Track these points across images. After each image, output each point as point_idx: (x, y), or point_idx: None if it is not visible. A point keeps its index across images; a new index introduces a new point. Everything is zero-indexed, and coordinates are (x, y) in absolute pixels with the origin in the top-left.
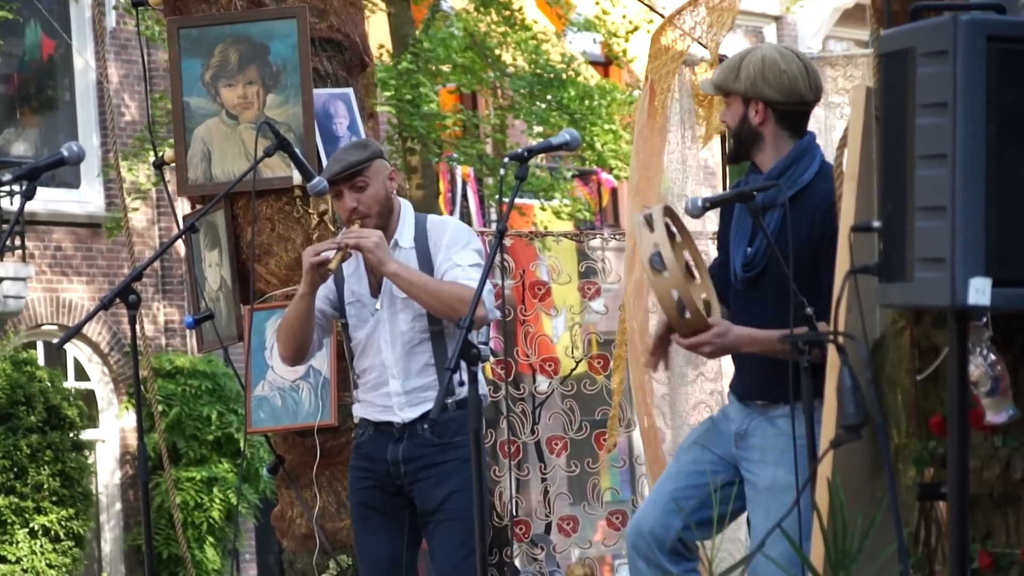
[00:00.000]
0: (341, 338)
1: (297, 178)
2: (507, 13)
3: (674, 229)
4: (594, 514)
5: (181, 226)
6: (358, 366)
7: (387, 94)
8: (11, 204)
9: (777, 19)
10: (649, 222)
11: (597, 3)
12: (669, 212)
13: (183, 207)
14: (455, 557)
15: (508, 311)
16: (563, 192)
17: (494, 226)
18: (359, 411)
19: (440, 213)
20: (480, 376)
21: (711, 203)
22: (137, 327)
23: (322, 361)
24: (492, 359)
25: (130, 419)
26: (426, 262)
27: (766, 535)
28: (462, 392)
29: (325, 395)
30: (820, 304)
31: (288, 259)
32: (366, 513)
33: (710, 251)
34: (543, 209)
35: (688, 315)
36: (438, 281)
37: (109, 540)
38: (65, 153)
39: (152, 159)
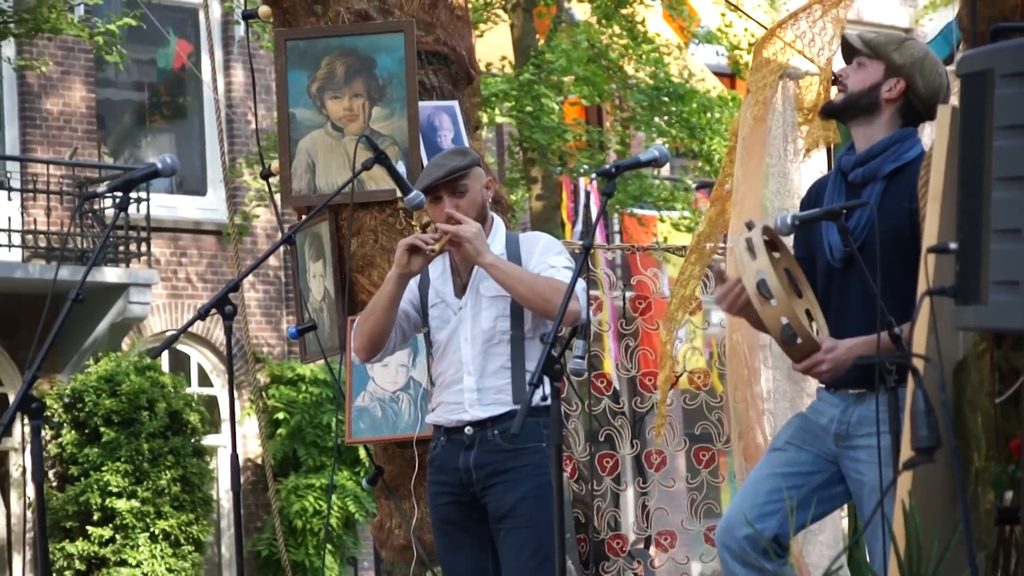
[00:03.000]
0: None
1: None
2: (630, 25)
3: (772, 246)
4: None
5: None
6: (436, 369)
7: (508, 104)
8: (138, 211)
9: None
10: (751, 248)
11: (723, 15)
12: (767, 230)
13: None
14: (528, 565)
15: (656, 323)
16: (685, 203)
17: (617, 239)
18: (432, 418)
19: (562, 224)
20: (547, 393)
21: (801, 220)
22: (232, 336)
23: (422, 373)
24: (592, 372)
25: (252, 425)
26: None
27: (851, 542)
28: (535, 399)
29: (424, 407)
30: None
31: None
32: (447, 529)
33: None
34: (662, 221)
35: (799, 340)
36: (534, 274)
37: (229, 545)
38: (159, 165)
39: (260, 170)
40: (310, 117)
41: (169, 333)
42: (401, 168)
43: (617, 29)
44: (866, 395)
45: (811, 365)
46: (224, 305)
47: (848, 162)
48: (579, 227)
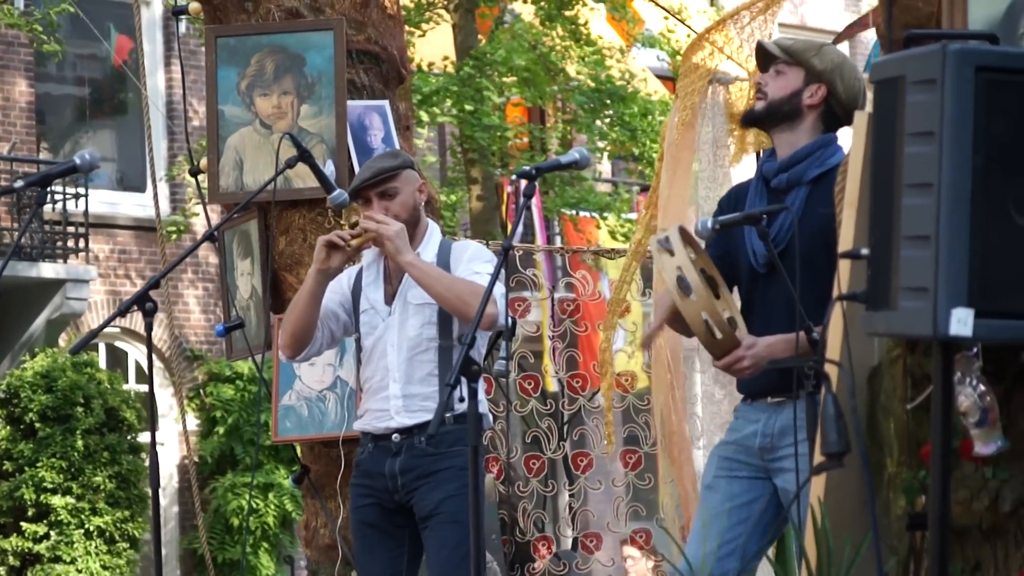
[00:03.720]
0: None
1: None
2: (572, 27)
3: (689, 247)
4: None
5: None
6: (363, 375)
7: (449, 103)
8: (76, 207)
9: (850, 38)
10: (668, 245)
11: (666, 18)
12: (683, 231)
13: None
14: (450, 560)
15: (584, 326)
16: (621, 209)
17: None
18: (359, 424)
19: (503, 225)
20: (481, 394)
21: (722, 225)
22: (153, 333)
23: (349, 372)
24: (520, 374)
25: (189, 423)
26: None
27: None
28: (461, 407)
29: (351, 406)
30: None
31: None
32: (365, 531)
33: None
34: (598, 226)
35: (719, 335)
36: (453, 276)
37: (167, 543)
38: (78, 161)
39: (188, 168)
40: (239, 114)
41: (108, 329)
42: (329, 167)
43: (560, 31)
44: (785, 403)
45: (732, 361)
46: (145, 302)
47: (770, 168)
48: (519, 228)
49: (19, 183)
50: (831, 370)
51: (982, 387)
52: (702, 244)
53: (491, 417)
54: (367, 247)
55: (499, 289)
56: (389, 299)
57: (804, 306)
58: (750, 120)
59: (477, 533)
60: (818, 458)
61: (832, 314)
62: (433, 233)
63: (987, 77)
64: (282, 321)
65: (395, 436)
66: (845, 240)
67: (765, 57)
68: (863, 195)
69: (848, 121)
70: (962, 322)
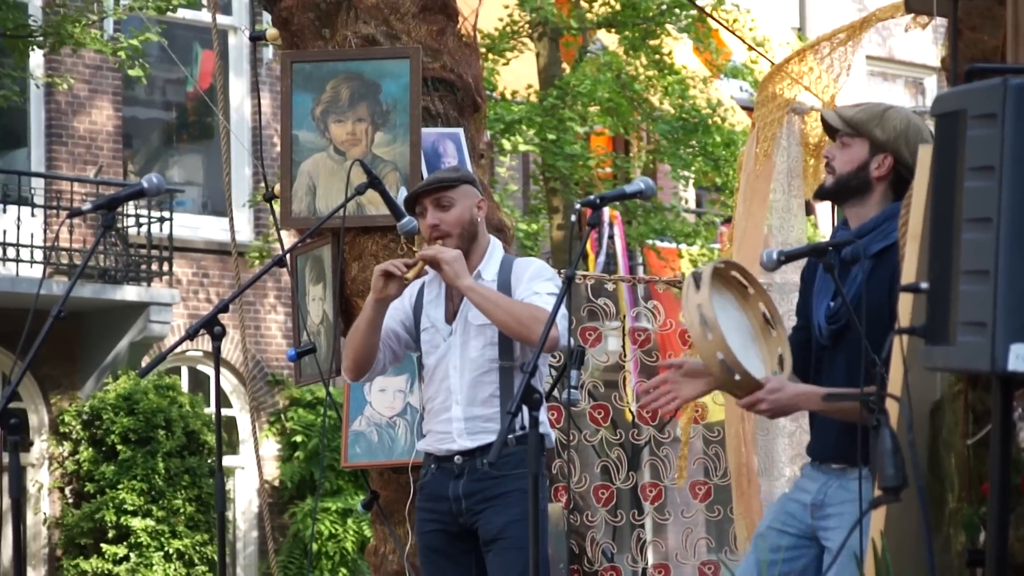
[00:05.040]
0: None
1: None
2: (656, 57)
3: (745, 283)
4: (735, 560)
5: (287, 260)
6: (425, 394)
7: (531, 131)
8: (161, 231)
9: (937, 71)
10: (696, 281)
11: (749, 49)
12: (737, 267)
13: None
14: None
15: (655, 356)
16: (706, 238)
17: (640, 271)
18: (422, 445)
19: (584, 255)
20: (543, 415)
21: (787, 256)
22: (233, 357)
23: (419, 399)
24: (591, 403)
25: (270, 447)
26: (506, 295)
27: None
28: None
29: (420, 433)
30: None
31: None
32: (432, 556)
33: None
34: (680, 256)
35: (738, 377)
36: (513, 300)
37: (242, 567)
38: (145, 184)
39: (264, 192)
40: (313, 140)
41: (191, 353)
42: (402, 194)
43: (644, 60)
44: (847, 470)
45: (751, 403)
46: (214, 326)
47: (841, 238)
48: (602, 258)
49: (87, 205)
50: (891, 405)
51: None
52: (764, 278)
53: (553, 437)
54: (424, 274)
55: (561, 312)
56: (450, 318)
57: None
58: (821, 195)
59: (536, 560)
60: (876, 492)
61: (888, 347)
62: (495, 250)
63: None
64: (345, 345)
65: (457, 458)
66: (907, 273)
67: (829, 128)
68: (925, 228)
69: None
70: (1021, 358)
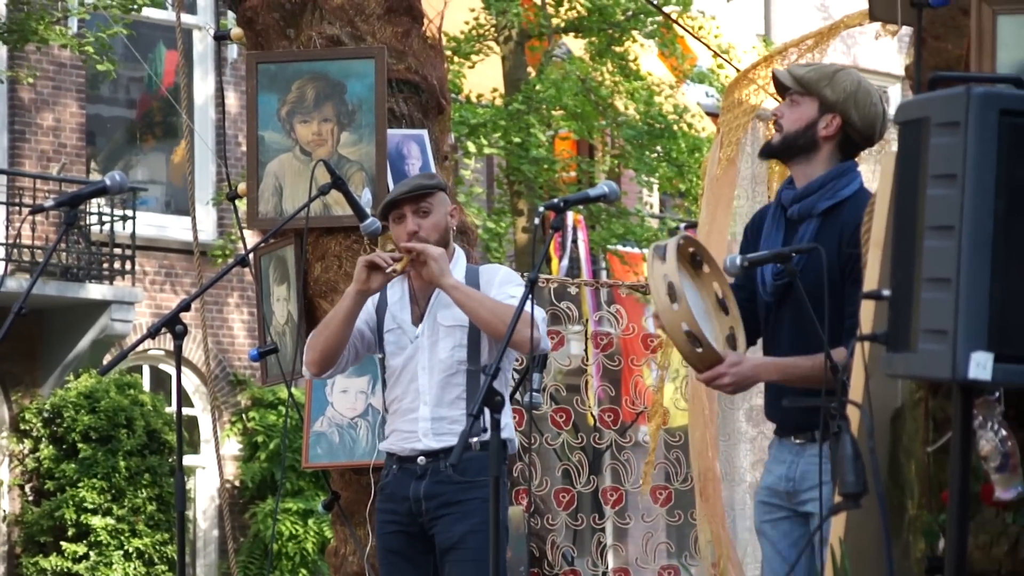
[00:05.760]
0: None
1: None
2: (622, 63)
3: (702, 259)
4: (695, 565)
5: (250, 259)
6: (390, 395)
7: (496, 135)
8: (123, 228)
9: (901, 79)
10: (660, 254)
11: (715, 56)
12: (695, 243)
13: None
14: None
15: (617, 360)
16: None
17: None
18: (385, 445)
19: (548, 258)
20: (507, 419)
21: (750, 262)
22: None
23: (381, 400)
24: (553, 406)
25: (231, 447)
26: None
27: None
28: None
29: (382, 434)
30: (842, 325)
31: None
32: (391, 559)
33: None
34: (644, 260)
35: (700, 349)
36: (496, 300)
37: (202, 567)
38: (107, 182)
39: (227, 191)
40: (279, 140)
41: (152, 351)
42: (366, 195)
43: (610, 66)
44: (807, 445)
45: (713, 376)
46: (175, 324)
47: (787, 197)
48: (565, 261)
49: (49, 202)
50: (851, 411)
51: (1003, 432)
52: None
53: (516, 442)
54: (407, 270)
55: (540, 314)
56: (416, 320)
57: (810, 336)
58: (767, 153)
59: (496, 565)
60: (836, 499)
61: (849, 354)
62: (459, 258)
63: (1011, 121)
64: (310, 338)
65: (420, 459)
66: (870, 280)
67: (780, 86)
68: (888, 236)
69: (867, 145)
70: (981, 366)
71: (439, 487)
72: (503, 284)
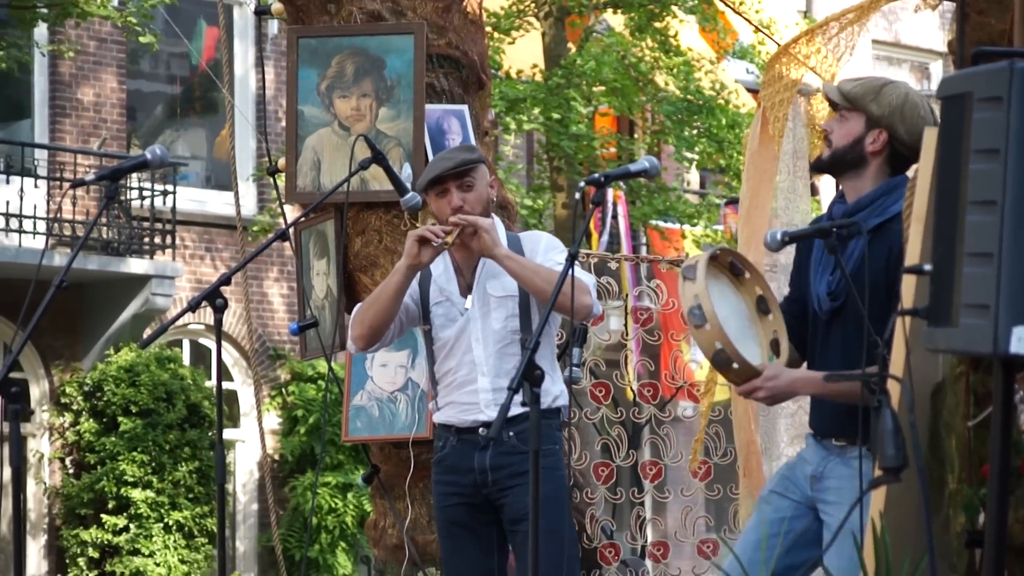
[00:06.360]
0: None
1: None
2: (663, 39)
3: (742, 267)
4: (734, 539)
5: (290, 234)
6: (442, 367)
7: (536, 111)
8: (164, 204)
9: (943, 55)
10: (689, 276)
11: (756, 31)
12: (732, 252)
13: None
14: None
15: (656, 335)
16: (709, 219)
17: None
18: (440, 417)
19: (588, 233)
20: (563, 390)
21: (791, 237)
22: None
23: (420, 374)
24: (592, 381)
25: (271, 420)
26: None
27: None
28: (546, 400)
29: (422, 408)
30: (889, 342)
31: None
32: (454, 531)
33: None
34: (684, 236)
35: (736, 365)
36: (550, 269)
37: (243, 539)
38: (148, 156)
39: (267, 166)
40: (318, 115)
41: (192, 326)
42: (406, 170)
43: (650, 42)
44: (847, 448)
45: (749, 390)
46: (216, 298)
47: (839, 212)
48: (605, 236)
49: (90, 176)
50: (892, 385)
51: None
52: (763, 262)
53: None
54: (457, 243)
55: (590, 279)
56: (464, 292)
57: (858, 355)
58: (817, 168)
59: (535, 529)
60: (876, 472)
61: (890, 329)
62: (500, 228)
63: None
64: (357, 312)
65: (482, 430)
66: (911, 255)
67: (830, 102)
68: (930, 210)
69: (916, 159)
70: (1023, 340)
71: (505, 458)
72: (548, 250)
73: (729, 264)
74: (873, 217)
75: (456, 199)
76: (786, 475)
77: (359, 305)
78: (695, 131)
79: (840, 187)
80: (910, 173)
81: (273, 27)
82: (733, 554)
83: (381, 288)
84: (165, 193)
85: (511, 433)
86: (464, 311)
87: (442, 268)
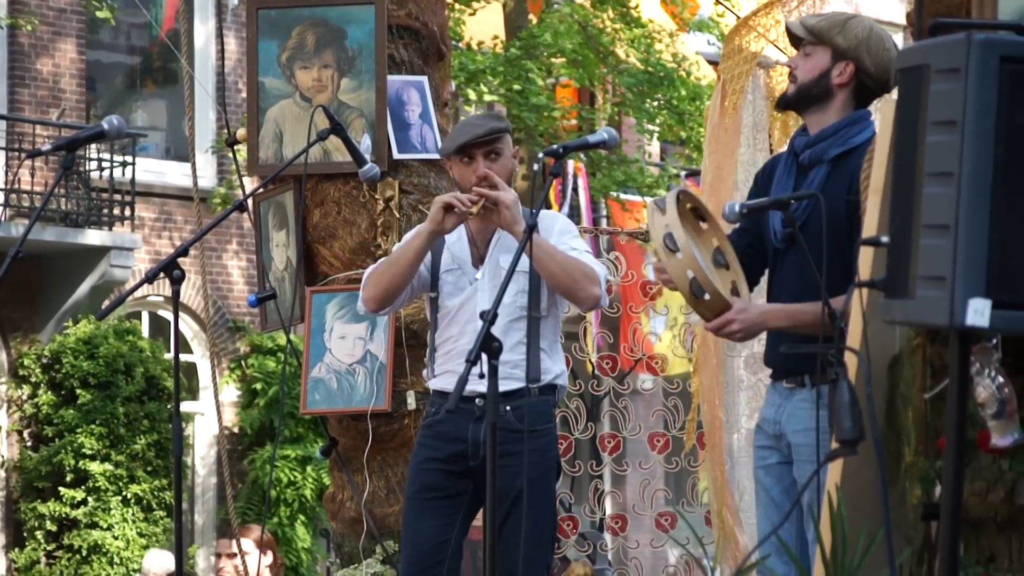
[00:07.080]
0: (399, 324)
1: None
2: (623, 10)
3: (701, 214)
4: (692, 512)
5: (248, 205)
6: (444, 334)
7: (496, 82)
8: (123, 175)
9: (903, 28)
10: (660, 206)
11: (716, 3)
12: (692, 198)
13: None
14: (529, 551)
15: (616, 307)
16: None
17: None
18: (435, 384)
19: (548, 205)
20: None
21: (748, 209)
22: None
23: (379, 346)
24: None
25: (230, 393)
26: None
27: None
28: (547, 378)
29: (380, 380)
30: (850, 269)
31: (352, 243)
32: (425, 495)
33: None
34: (644, 207)
35: (707, 296)
36: (565, 253)
37: (200, 513)
38: (105, 127)
39: (226, 137)
40: (279, 86)
41: (151, 298)
42: (365, 141)
43: (610, 13)
44: (796, 390)
45: (721, 324)
46: (172, 270)
47: (800, 143)
48: (565, 209)
49: (47, 146)
50: (849, 357)
51: (1000, 379)
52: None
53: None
54: (482, 213)
55: (602, 270)
56: (477, 262)
57: (816, 283)
58: (783, 105)
59: (493, 505)
60: (833, 445)
61: (847, 301)
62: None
63: (1011, 68)
64: (372, 273)
65: (478, 400)
66: (869, 227)
67: (794, 38)
68: (887, 182)
69: (882, 92)
70: (979, 312)
71: (500, 434)
72: (562, 234)
73: (690, 210)
74: (835, 146)
75: (482, 168)
76: (758, 444)
77: (373, 266)
78: (656, 103)
79: (794, 122)
80: (872, 108)
81: None
82: (779, 540)
83: (400, 251)
84: (124, 164)
85: (507, 408)
86: (474, 280)
87: (456, 237)
